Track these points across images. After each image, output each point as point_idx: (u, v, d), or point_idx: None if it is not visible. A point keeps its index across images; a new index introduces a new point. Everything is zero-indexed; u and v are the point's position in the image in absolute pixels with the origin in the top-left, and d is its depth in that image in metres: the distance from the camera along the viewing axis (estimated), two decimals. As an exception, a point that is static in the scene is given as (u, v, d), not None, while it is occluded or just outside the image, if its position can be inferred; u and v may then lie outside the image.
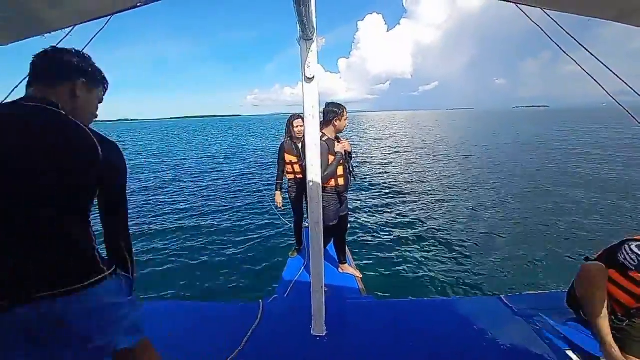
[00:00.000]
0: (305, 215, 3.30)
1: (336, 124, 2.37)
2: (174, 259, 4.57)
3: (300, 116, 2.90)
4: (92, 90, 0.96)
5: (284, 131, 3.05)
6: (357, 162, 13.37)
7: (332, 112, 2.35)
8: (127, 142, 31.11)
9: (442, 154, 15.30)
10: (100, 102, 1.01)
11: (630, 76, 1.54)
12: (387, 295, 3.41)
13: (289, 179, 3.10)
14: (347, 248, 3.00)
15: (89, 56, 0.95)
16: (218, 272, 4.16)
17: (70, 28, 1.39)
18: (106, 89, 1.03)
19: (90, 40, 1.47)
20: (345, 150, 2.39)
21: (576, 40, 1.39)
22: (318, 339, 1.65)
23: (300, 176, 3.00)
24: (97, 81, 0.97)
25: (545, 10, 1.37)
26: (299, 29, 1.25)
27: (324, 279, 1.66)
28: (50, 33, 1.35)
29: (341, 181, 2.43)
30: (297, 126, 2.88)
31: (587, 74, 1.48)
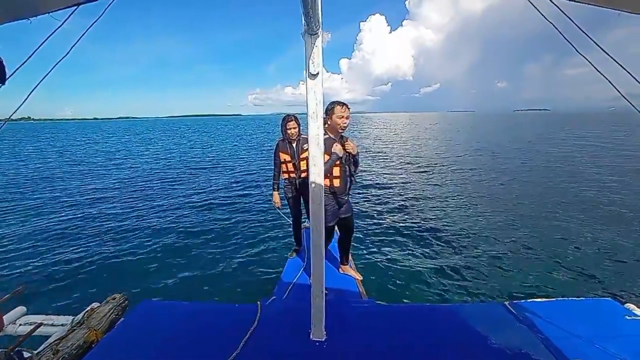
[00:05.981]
0: (304, 216, 3.26)
1: (328, 122, 2.30)
2: (170, 257, 4.53)
3: (292, 117, 2.93)
4: None
5: (280, 131, 3.03)
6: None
7: (326, 110, 2.28)
8: (121, 140, 31.06)
9: (445, 157, 15.25)
10: None
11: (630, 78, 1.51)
12: (387, 299, 3.36)
13: (284, 179, 3.08)
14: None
15: None
16: (215, 272, 4.11)
17: (70, 9, 1.14)
18: None
19: (91, 25, 1.28)
20: (348, 152, 2.34)
21: (592, 39, 1.33)
22: (317, 343, 1.60)
23: (294, 175, 2.98)
24: None
25: (559, 6, 1.32)
26: (303, 22, 1.19)
27: (324, 282, 1.61)
28: (44, 15, 1.11)
29: (336, 182, 2.37)
30: (290, 128, 2.90)
31: (600, 73, 1.42)
